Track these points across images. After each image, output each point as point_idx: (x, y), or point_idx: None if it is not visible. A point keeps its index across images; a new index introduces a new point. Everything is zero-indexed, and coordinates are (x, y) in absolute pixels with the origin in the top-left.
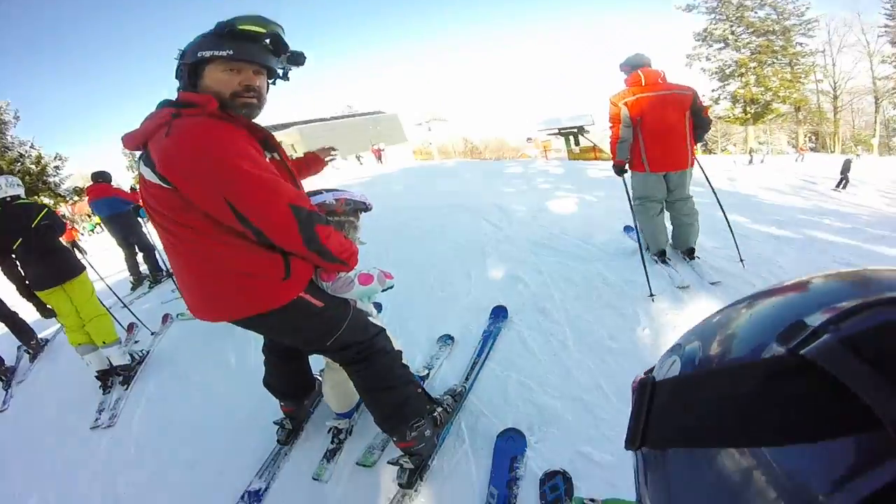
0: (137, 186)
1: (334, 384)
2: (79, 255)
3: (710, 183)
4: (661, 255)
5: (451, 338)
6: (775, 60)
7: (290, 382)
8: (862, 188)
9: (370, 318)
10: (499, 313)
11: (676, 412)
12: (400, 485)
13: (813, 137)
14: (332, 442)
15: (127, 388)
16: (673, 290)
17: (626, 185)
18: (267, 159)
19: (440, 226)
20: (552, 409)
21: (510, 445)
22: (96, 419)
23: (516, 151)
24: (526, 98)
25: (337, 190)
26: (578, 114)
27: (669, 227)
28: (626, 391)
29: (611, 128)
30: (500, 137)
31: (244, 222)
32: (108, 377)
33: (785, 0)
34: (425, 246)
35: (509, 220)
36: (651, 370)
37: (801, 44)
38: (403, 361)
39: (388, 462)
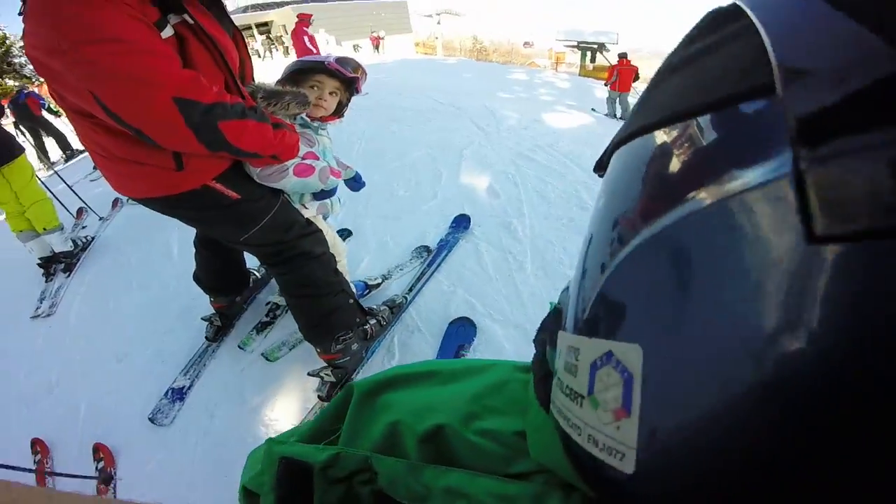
0: None
1: None
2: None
3: None
4: None
5: (427, 249)
6: None
7: (220, 277)
8: None
9: (303, 216)
10: (460, 223)
11: None
12: (319, 397)
13: None
14: (268, 315)
15: (69, 276)
16: None
17: None
18: (166, 30)
19: (423, 121)
20: (491, 334)
21: (460, 332)
22: (37, 308)
23: (526, 58)
24: (550, 4)
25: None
26: (603, 30)
27: None
28: None
29: None
30: (513, 42)
31: (118, 121)
32: (51, 264)
33: None
34: (400, 141)
35: (497, 127)
36: None
37: None
38: (338, 268)
39: (309, 373)
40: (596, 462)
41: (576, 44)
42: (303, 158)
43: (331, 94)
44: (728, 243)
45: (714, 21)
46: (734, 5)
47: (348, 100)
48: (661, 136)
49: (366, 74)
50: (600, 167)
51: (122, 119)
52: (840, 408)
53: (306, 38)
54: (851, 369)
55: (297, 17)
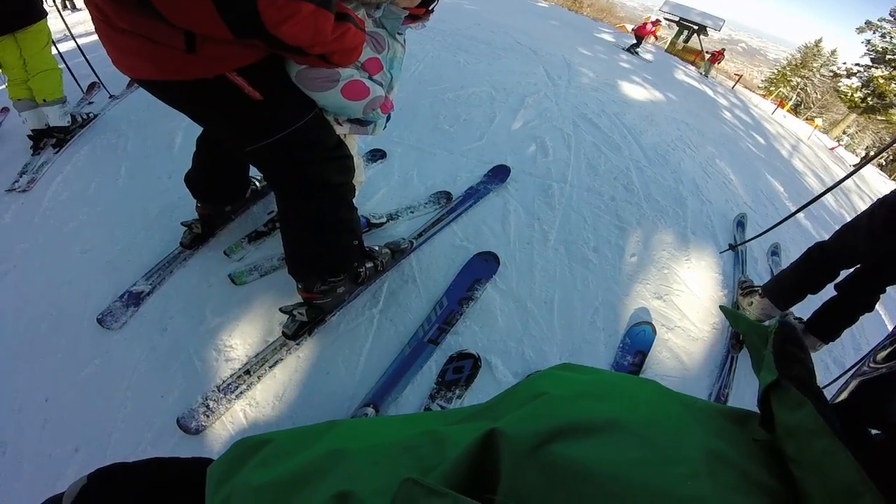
0: None
1: None
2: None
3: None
4: None
5: (446, 196)
6: None
7: (215, 183)
8: None
9: (335, 136)
10: (497, 174)
11: None
12: (284, 333)
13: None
14: (266, 225)
15: (57, 152)
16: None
17: None
18: None
19: (493, 58)
20: (488, 302)
21: (481, 267)
22: (15, 182)
23: (618, 20)
24: None
25: None
26: (712, 13)
27: None
28: (574, 320)
29: None
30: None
31: None
32: (42, 138)
33: None
34: (463, 73)
35: (569, 82)
36: None
37: None
38: (353, 202)
39: (281, 310)
40: None
41: (677, 19)
42: (363, 66)
43: None
44: None
45: None
46: None
47: None
48: None
49: None
50: None
51: None
52: None
53: None
54: None
55: None
